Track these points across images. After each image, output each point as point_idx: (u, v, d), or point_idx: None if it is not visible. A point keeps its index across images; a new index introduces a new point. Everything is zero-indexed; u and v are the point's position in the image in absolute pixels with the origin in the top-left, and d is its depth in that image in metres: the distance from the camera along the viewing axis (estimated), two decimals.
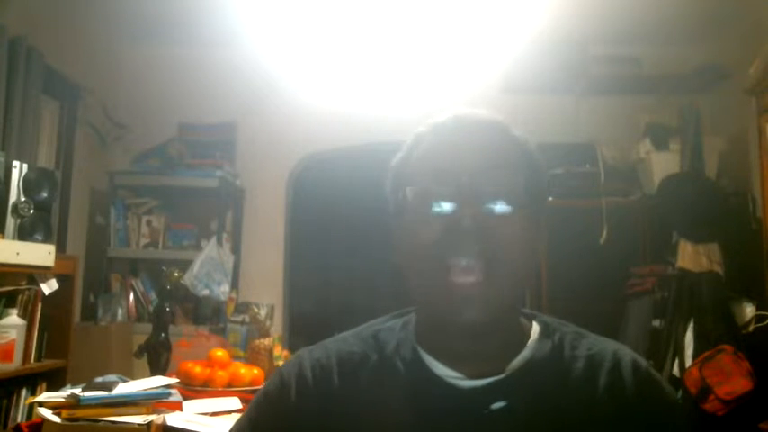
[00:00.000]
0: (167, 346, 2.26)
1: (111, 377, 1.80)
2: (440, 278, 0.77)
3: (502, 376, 0.80)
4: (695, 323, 2.81)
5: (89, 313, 3.38)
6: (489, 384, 0.79)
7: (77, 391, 1.66)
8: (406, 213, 0.82)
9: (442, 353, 0.82)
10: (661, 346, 2.90)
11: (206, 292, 3.35)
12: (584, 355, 0.83)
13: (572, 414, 0.78)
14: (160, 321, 2.30)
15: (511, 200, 0.78)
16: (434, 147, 0.83)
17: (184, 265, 3.30)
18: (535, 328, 0.86)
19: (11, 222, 2.43)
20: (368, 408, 0.81)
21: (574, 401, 0.79)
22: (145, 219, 3.57)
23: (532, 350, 0.83)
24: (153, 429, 1.57)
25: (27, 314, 2.53)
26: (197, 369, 2.02)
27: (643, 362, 0.85)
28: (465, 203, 0.77)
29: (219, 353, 2.10)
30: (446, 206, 0.78)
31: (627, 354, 0.85)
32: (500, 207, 0.78)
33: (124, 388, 1.71)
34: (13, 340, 2.42)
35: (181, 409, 1.71)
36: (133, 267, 3.61)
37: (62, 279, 2.70)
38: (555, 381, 0.81)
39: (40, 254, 2.49)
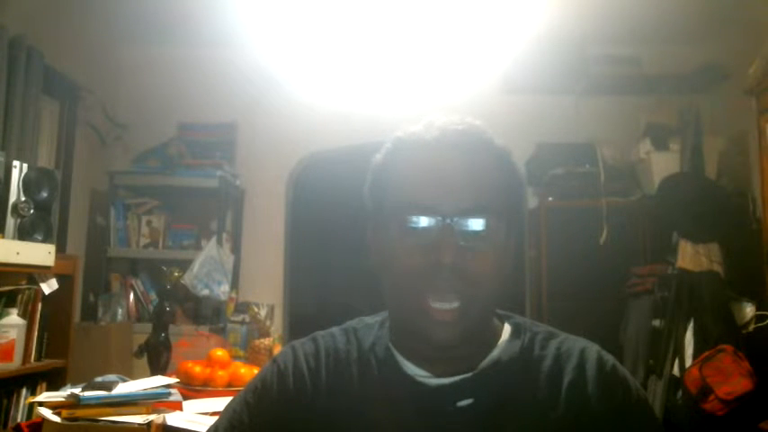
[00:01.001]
0: (167, 346, 2.26)
1: (111, 377, 1.80)
2: (416, 302, 0.79)
3: (469, 375, 0.82)
4: (695, 323, 2.81)
5: (89, 313, 3.38)
6: (456, 382, 0.82)
7: (77, 390, 1.66)
8: (384, 227, 0.83)
9: (413, 355, 0.85)
10: (661, 346, 2.90)
11: (206, 292, 3.35)
12: (553, 354, 0.85)
13: (537, 411, 0.81)
14: (160, 321, 2.30)
15: (491, 224, 0.80)
16: (416, 163, 0.82)
17: (184, 265, 3.30)
18: (506, 329, 0.88)
19: (11, 222, 2.43)
20: (347, 402, 0.84)
21: (539, 399, 0.82)
22: (145, 219, 3.57)
23: (501, 350, 0.85)
24: (153, 429, 1.57)
25: (27, 314, 2.53)
26: (197, 369, 2.02)
27: (609, 359, 0.87)
28: (446, 233, 0.78)
29: (219, 353, 2.10)
30: (426, 233, 0.79)
31: (593, 351, 0.87)
32: (481, 232, 0.79)
33: (124, 388, 1.71)
34: (13, 340, 2.42)
35: (181, 409, 1.71)
36: (133, 267, 3.61)
37: (62, 279, 2.70)
38: (522, 379, 0.83)
39: (40, 254, 2.49)
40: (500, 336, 0.87)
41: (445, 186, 0.79)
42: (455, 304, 0.78)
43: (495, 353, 0.85)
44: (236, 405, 0.91)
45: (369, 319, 0.94)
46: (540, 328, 0.89)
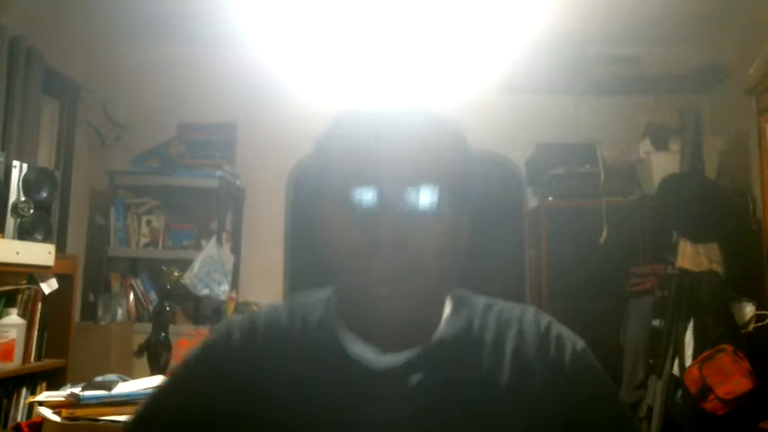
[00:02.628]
0: (167, 346, 2.26)
1: (111, 377, 1.80)
2: (357, 281, 0.78)
3: (416, 353, 0.81)
4: (695, 323, 2.81)
5: (89, 313, 3.38)
6: (406, 361, 0.81)
7: (77, 390, 1.66)
8: (326, 200, 0.81)
9: (360, 332, 0.83)
10: (661, 346, 2.90)
11: (206, 291, 3.35)
12: (493, 324, 0.85)
13: (484, 382, 0.81)
14: (160, 321, 2.30)
15: (435, 195, 0.76)
16: (357, 135, 0.80)
17: (184, 265, 3.30)
18: (448, 302, 0.87)
19: (11, 222, 2.43)
20: (286, 381, 0.82)
21: (485, 369, 0.82)
22: (145, 219, 3.57)
23: (445, 325, 0.84)
24: None
25: (27, 314, 2.53)
26: None
27: (545, 318, 0.87)
28: (386, 205, 0.75)
29: None
30: (366, 207, 0.76)
31: (530, 315, 0.87)
32: (424, 204, 0.76)
33: (124, 388, 1.71)
34: (13, 340, 2.42)
35: None
36: (133, 267, 3.61)
37: (62, 279, 2.70)
38: (467, 351, 0.83)
39: (39, 253, 2.49)
40: (443, 310, 0.86)
41: (385, 157, 0.77)
42: (398, 283, 0.76)
43: (440, 329, 0.84)
44: (162, 384, 0.89)
45: (316, 294, 0.91)
46: (478, 299, 0.89)
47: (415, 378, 0.80)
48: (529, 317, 0.87)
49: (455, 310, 0.86)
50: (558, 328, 0.87)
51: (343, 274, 0.81)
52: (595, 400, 0.84)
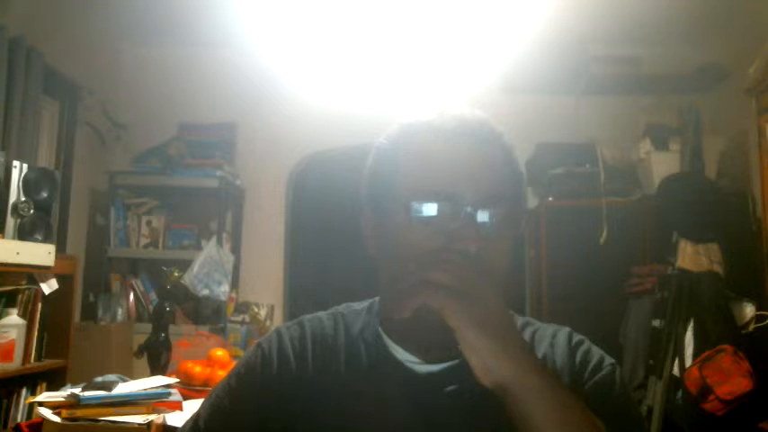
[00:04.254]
0: (167, 346, 2.26)
1: (111, 377, 1.80)
2: (419, 300, 0.77)
3: (456, 362, 0.83)
4: (695, 323, 2.81)
5: (89, 313, 3.38)
6: (445, 369, 0.83)
7: (77, 390, 1.66)
8: (391, 213, 0.81)
9: (405, 341, 0.85)
10: (661, 346, 2.90)
11: (206, 292, 3.35)
12: (529, 340, 0.88)
13: None
14: (160, 321, 2.30)
15: (507, 214, 0.79)
16: (432, 149, 0.81)
17: (184, 265, 3.30)
18: None
19: (11, 222, 2.43)
20: (334, 387, 0.84)
21: None
22: (145, 219, 3.57)
23: None
24: (153, 429, 1.57)
25: (27, 314, 2.53)
26: (197, 369, 2.02)
27: (577, 336, 0.89)
28: (468, 222, 0.76)
29: (219, 353, 2.10)
30: (443, 221, 0.77)
31: (564, 331, 0.89)
32: (497, 222, 0.79)
33: (124, 388, 1.71)
34: (13, 340, 2.42)
35: (181, 409, 1.71)
36: (133, 267, 3.61)
37: (62, 279, 2.70)
38: None
39: (40, 254, 2.49)
40: None
41: (466, 174, 0.78)
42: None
43: None
44: (219, 389, 0.90)
45: (356, 305, 0.94)
46: (516, 316, 0.91)
47: (452, 386, 0.82)
48: (563, 333, 0.89)
49: None
50: (589, 344, 0.89)
51: (399, 285, 0.80)
52: (615, 416, 0.83)
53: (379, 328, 0.88)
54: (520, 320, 0.92)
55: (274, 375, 0.87)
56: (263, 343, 0.92)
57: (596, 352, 0.88)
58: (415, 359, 0.84)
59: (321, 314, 0.94)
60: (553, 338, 0.88)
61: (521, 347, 0.73)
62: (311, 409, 0.84)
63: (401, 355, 0.85)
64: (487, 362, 0.71)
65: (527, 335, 0.89)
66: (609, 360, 0.88)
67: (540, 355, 0.86)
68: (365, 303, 0.94)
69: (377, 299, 0.93)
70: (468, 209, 0.77)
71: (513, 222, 0.81)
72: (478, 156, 0.80)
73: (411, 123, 0.85)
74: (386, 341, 0.86)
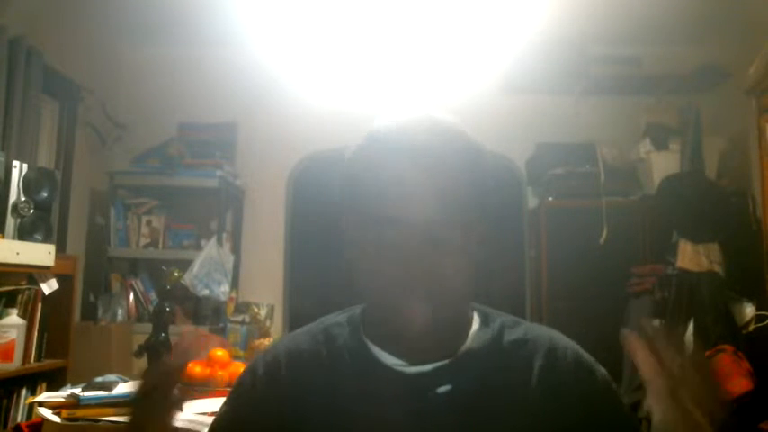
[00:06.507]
0: (167, 347, 2.26)
1: (111, 377, 1.80)
2: (389, 308, 0.82)
3: (446, 362, 0.85)
4: (695, 323, 2.80)
5: (89, 313, 3.38)
6: (435, 369, 0.84)
7: (77, 391, 1.66)
8: (356, 227, 0.84)
9: (389, 344, 0.87)
10: None
11: (206, 292, 3.35)
12: (522, 341, 0.89)
13: (512, 394, 0.84)
14: (160, 321, 2.30)
15: (458, 231, 0.81)
16: (382, 171, 0.82)
17: (184, 265, 3.30)
18: (476, 318, 0.91)
19: (11, 222, 2.43)
20: (320, 399, 0.86)
21: (513, 383, 0.85)
22: (145, 219, 3.57)
23: (473, 338, 0.88)
24: None
25: (27, 314, 2.53)
26: (197, 369, 2.02)
27: (574, 346, 0.90)
28: (413, 245, 0.79)
29: (219, 353, 2.10)
30: (396, 243, 0.80)
31: (561, 339, 0.91)
32: (449, 240, 0.80)
33: (124, 388, 1.71)
34: (13, 340, 2.42)
35: (181, 409, 1.71)
36: (133, 267, 3.61)
37: (62, 279, 2.70)
38: (495, 365, 0.86)
39: (39, 254, 2.49)
40: (471, 325, 0.90)
41: (411, 198, 0.80)
42: (426, 312, 0.80)
43: (468, 341, 0.88)
44: (221, 411, 0.95)
45: (334, 317, 0.95)
46: (505, 317, 0.93)
47: (442, 386, 0.83)
48: (560, 340, 0.90)
49: (482, 325, 0.90)
50: (587, 356, 0.91)
51: (376, 297, 0.84)
52: (604, 425, 0.86)
53: (363, 337, 0.89)
54: (508, 318, 0.92)
55: (258, 397, 0.90)
56: (245, 370, 0.95)
57: (598, 371, 0.89)
58: (403, 362, 0.85)
59: (298, 331, 0.96)
60: (550, 345, 0.89)
61: None
62: (302, 423, 0.85)
63: (388, 359, 0.86)
64: None
65: (517, 334, 0.90)
66: (601, 371, 0.89)
67: (537, 359, 0.87)
68: (345, 314, 0.95)
69: (356, 308, 0.94)
70: (414, 231, 0.79)
71: (473, 232, 0.82)
72: (425, 174, 0.80)
73: (375, 137, 0.86)
74: (371, 348, 0.88)
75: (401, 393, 0.83)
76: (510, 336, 0.89)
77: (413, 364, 0.85)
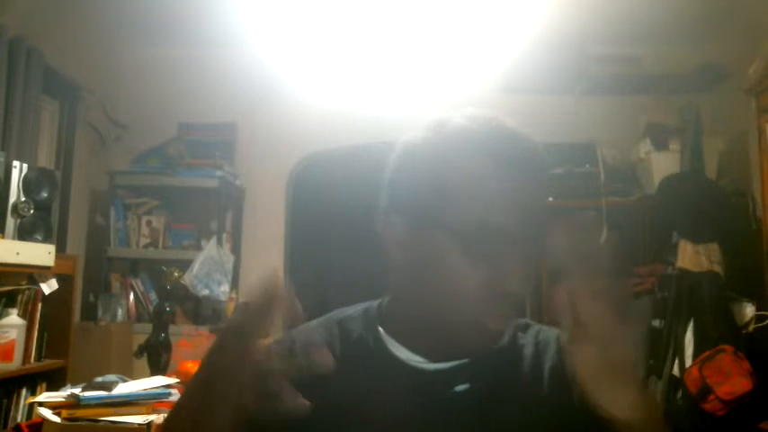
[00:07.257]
0: (167, 346, 2.27)
1: (111, 377, 1.80)
2: (465, 318, 0.81)
3: (466, 361, 0.84)
4: (695, 323, 2.81)
5: (89, 313, 3.38)
6: (453, 368, 0.84)
7: (77, 391, 1.66)
8: (428, 231, 0.81)
9: (408, 341, 0.86)
10: (661, 346, 2.90)
11: (206, 292, 3.35)
12: (533, 342, 0.90)
13: (525, 394, 0.84)
14: (160, 321, 2.31)
15: (541, 242, 0.80)
16: (484, 183, 0.79)
17: (184, 265, 3.30)
18: None
19: (11, 222, 2.43)
20: (334, 394, 0.82)
21: (526, 382, 0.85)
22: (145, 219, 3.57)
23: None
24: (153, 429, 1.57)
25: (27, 314, 2.53)
26: (196, 369, 2.01)
27: None
28: (514, 257, 0.79)
29: None
30: (487, 253, 0.78)
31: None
32: (538, 254, 0.81)
33: (124, 388, 1.71)
34: (13, 340, 2.42)
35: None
36: (133, 267, 3.61)
37: (62, 279, 2.70)
38: (510, 365, 0.87)
39: (39, 254, 2.49)
40: None
41: (517, 208, 0.79)
42: (501, 325, 0.82)
43: None
44: None
45: (349, 311, 0.94)
46: (518, 318, 0.93)
47: (460, 384, 0.83)
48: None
49: None
50: None
51: (446, 308, 0.81)
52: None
53: (381, 331, 0.88)
54: (521, 321, 0.93)
55: None
56: None
57: None
58: (421, 359, 0.85)
59: (313, 323, 0.93)
60: (558, 345, 0.89)
61: None
62: (313, 417, 0.82)
63: (405, 355, 0.85)
64: None
65: (530, 336, 0.90)
66: None
67: (547, 359, 0.87)
68: (359, 307, 0.93)
69: (374, 303, 0.93)
70: (517, 244, 0.78)
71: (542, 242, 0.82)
72: (529, 188, 0.81)
73: (456, 139, 0.82)
74: (388, 343, 0.87)
75: (418, 389, 0.83)
76: (523, 337, 0.90)
77: (433, 360, 0.84)
